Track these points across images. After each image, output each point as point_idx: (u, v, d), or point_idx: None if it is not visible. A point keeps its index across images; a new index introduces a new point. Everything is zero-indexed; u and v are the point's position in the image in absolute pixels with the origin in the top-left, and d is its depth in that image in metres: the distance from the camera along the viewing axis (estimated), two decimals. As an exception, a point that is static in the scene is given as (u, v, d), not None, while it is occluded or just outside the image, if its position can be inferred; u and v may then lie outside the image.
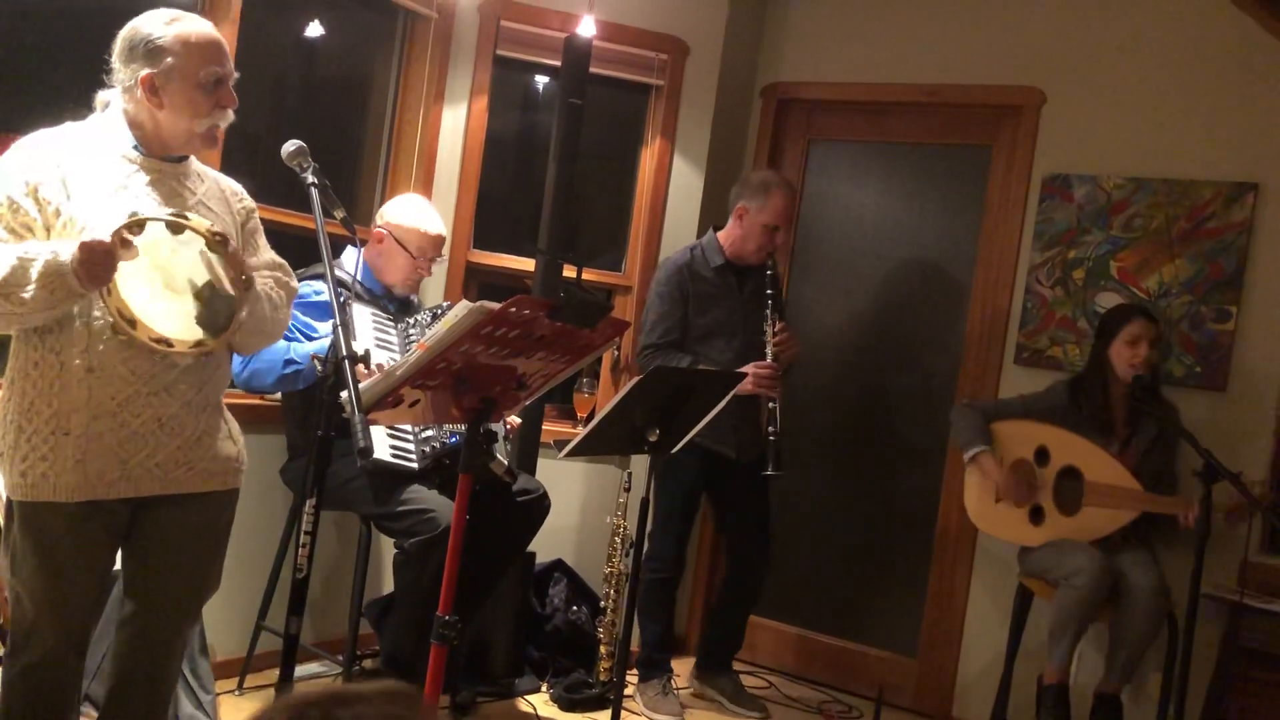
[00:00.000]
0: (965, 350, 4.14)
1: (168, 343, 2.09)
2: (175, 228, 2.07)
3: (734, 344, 3.66)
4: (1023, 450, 3.57)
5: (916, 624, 4.19)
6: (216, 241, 2.10)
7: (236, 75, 2.26)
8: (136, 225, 2.03)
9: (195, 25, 2.20)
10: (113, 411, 2.13)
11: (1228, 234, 3.69)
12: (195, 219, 2.11)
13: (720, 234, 3.79)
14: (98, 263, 1.97)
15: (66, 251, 1.97)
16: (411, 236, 3.40)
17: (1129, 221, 3.84)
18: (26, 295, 1.97)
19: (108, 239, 1.99)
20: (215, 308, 2.13)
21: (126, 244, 2.02)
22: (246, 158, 3.62)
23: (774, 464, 3.50)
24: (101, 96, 2.24)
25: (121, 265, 2.02)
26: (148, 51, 2.14)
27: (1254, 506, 3.19)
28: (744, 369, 3.51)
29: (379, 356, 3.09)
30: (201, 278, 2.12)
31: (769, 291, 3.63)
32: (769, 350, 3.58)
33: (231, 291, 2.14)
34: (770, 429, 3.51)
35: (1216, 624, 3.51)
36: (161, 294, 2.08)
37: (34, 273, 1.97)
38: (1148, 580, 3.32)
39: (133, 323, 2.06)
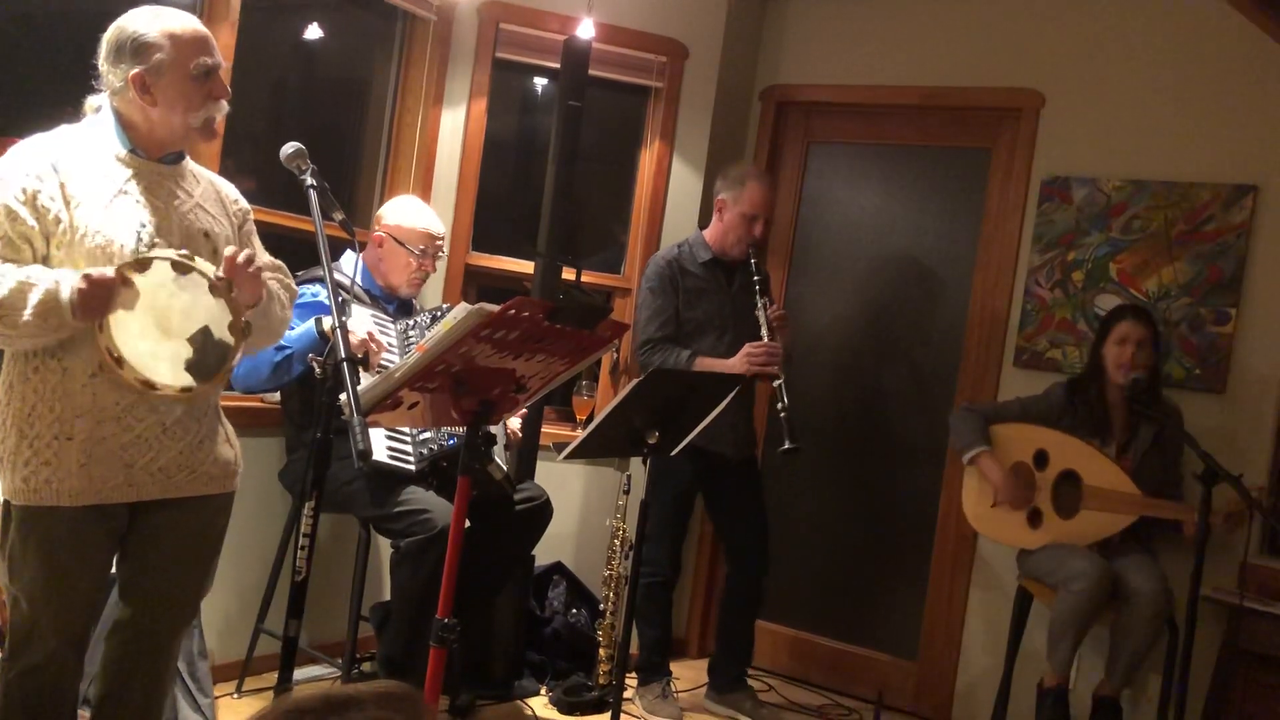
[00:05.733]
0: (964, 352, 4.14)
1: (152, 385, 2.08)
2: (181, 269, 2.07)
3: (725, 339, 3.66)
4: (1021, 453, 3.57)
5: (916, 627, 4.19)
6: (221, 286, 2.10)
7: (225, 65, 2.26)
8: (143, 263, 2.03)
9: (181, 19, 2.20)
10: (116, 416, 2.13)
11: (1227, 236, 3.69)
12: (202, 263, 2.10)
13: (705, 232, 3.81)
14: (97, 295, 1.97)
15: (67, 283, 1.97)
16: (412, 236, 3.41)
17: (1128, 223, 3.84)
18: (20, 320, 1.97)
19: (111, 274, 1.99)
20: (207, 352, 2.12)
21: (128, 282, 2.01)
22: (245, 160, 3.62)
23: (789, 438, 3.41)
24: (91, 101, 2.24)
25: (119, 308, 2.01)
26: (135, 49, 2.14)
27: (1255, 509, 3.18)
28: (738, 354, 3.53)
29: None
30: (198, 323, 2.10)
31: (755, 277, 3.63)
32: (764, 332, 3.55)
33: (227, 337, 2.13)
34: (779, 405, 3.45)
35: (1216, 626, 3.51)
36: (153, 335, 2.07)
37: (32, 299, 1.97)
38: (1149, 584, 3.31)
39: (120, 362, 2.05)
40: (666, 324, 3.66)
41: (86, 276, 1.97)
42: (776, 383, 3.49)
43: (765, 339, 3.54)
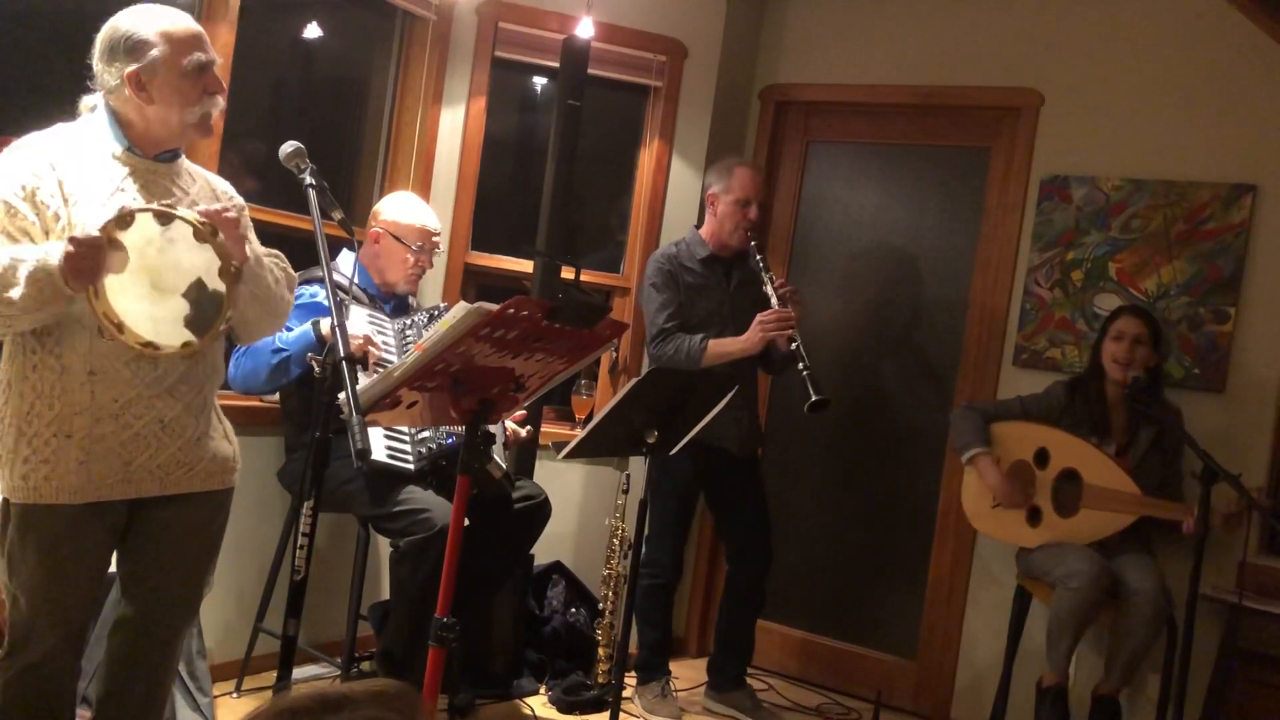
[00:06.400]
0: (964, 352, 4.14)
1: (154, 347, 2.09)
2: (163, 218, 2.06)
3: (725, 335, 3.66)
4: (1022, 452, 3.57)
5: (915, 626, 4.19)
6: (205, 231, 2.09)
7: (220, 62, 2.27)
8: (126, 219, 2.03)
9: (173, 17, 2.21)
10: (115, 414, 2.13)
11: (1226, 235, 3.69)
12: (184, 210, 2.09)
13: (700, 230, 3.81)
14: (85, 257, 1.96)
15: (56, 253, 1.97)
16: (409, 232, 3.41)
17: (1127, 223, 3.84)
18: (14, 295, 1.97)
19: (96, 233, 1.98)
20: (204, 306, 2.11)
21: (115, 243, 2.01)
22: (245, 159, 3.62)
23: (814, 389, 3.39)
24: (86, 101, 2.24)
25: (109, 268, 2.01)
26: (129, 48, 2.15)
27: (1254, 508, 3.18)
28: (751, 327, 3.53)
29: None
30: (190, 276, 2.10)
31: (758, 258, 3.64)
32: (773, 302, 3.56)
33: (220, 285, 2.13)
34: (801, 365, 3.44)
35: (1215, 626, 3.51)
36: (149, 296, 2.07)
37: (23, 273, 1.97)
38: (1149, 583, 3.31)
39: (119, 327, 2.05)
40: (675, 314, 3.65)
41: (73, 239, 1.96)
42: (794, 344, 3.49)
43: (776, 308, 3.55)
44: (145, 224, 2.05)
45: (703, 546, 4.47)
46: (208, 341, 2.16)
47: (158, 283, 2.08)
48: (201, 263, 2.10)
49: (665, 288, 3.67)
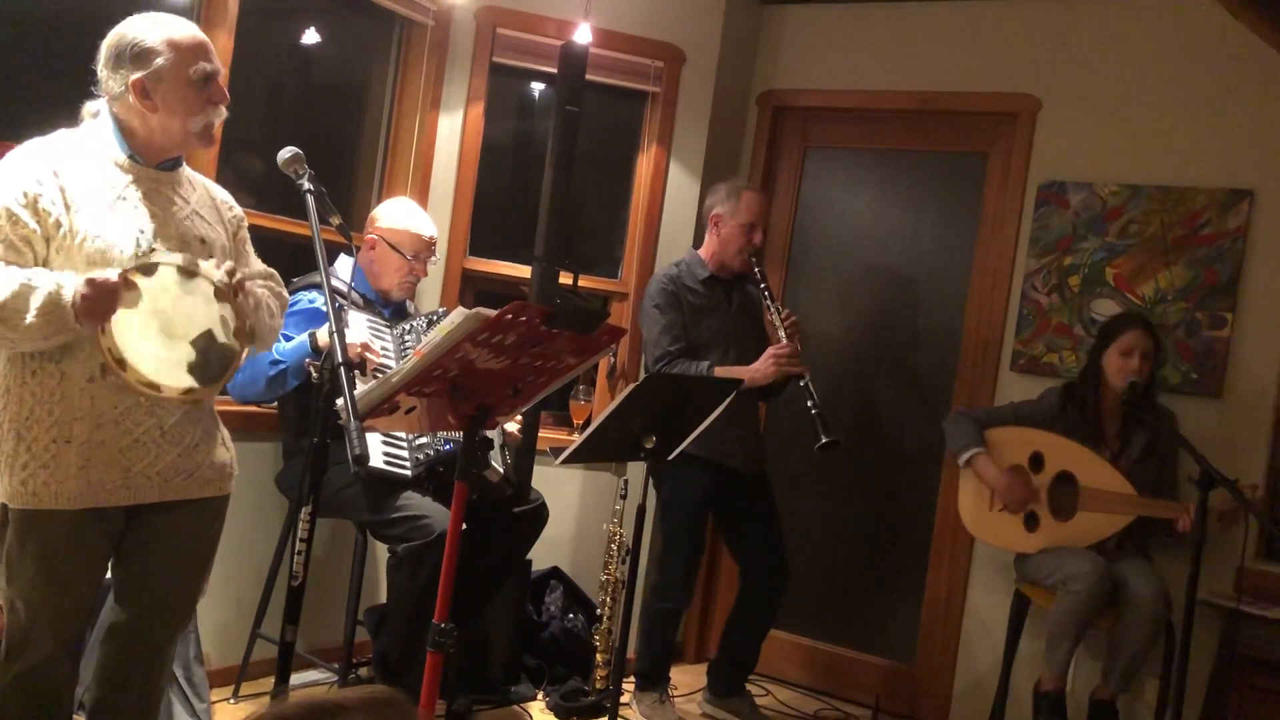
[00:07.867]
0: (961, 357, 4.15)
1: (156, 387, 2.09)
2: (186, 274, 2.08)
3: (728, 357, 3.65)
4: (1017, 456, 3.57)
5: (914, 631, 4.19)
6: (227, 292, 2.11)
7: (223, 71, 2.28)
8: (149, 268, 2.04)
9: (180, 25, 2.22)
10: (115, 420, 2.14)
11: (1223, 240, 3.70)
12: (206, 267, 2.12)
13: (700, 250, 3.80)
14: (100, 299, 1.98)
15: (70, 286, 1.98)
16: (404, 239, 3.41)
17: (1124, 228, 3.85)
18: (23, 323, 1.98)
19: (114, 277, 1.99)
20: (211, 356, 2.14)
21: (131, 285, 2.02)
22: (243, 165, 3.62)
23: (825, 433, 3.38)
24: (89, 107, 2.25)
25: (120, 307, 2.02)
26: (135, 55, 2.15)
27: (1250, 512, 3.19)
28: (762, 358, 3.52)
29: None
30: (201, 327, 2.12)
31: (763, 285, 3.63)
32: (781, 334, 3.55)
33: (231, 341, 2.14)
34: (810, 404, 3.43)
35: (1213, 631, 3.51)
36: (157, 339, 2.08)
37: (34, 302, 1.97)
38: (1149, 589, 3.31)
39: (122, 364, 2.06)
40: (679, 338, 3.61)
41: (90, 280, 1.97)
42: (802, 382, 3.48)
43: (784, 341, 3.54)
44: (165, 274, 2.06)
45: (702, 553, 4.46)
46: (211, 391, 2.17)
47: (168, 328, 2.09)
48: (215, 316, 2.12)
49: (669, 309, 3.64)
